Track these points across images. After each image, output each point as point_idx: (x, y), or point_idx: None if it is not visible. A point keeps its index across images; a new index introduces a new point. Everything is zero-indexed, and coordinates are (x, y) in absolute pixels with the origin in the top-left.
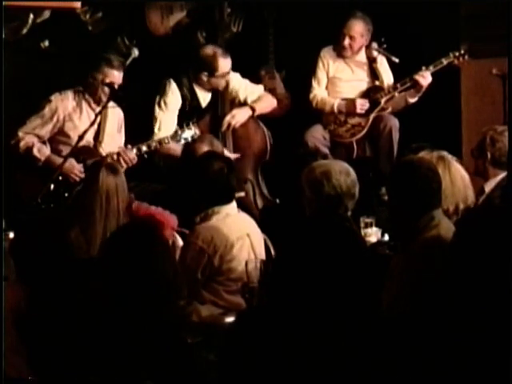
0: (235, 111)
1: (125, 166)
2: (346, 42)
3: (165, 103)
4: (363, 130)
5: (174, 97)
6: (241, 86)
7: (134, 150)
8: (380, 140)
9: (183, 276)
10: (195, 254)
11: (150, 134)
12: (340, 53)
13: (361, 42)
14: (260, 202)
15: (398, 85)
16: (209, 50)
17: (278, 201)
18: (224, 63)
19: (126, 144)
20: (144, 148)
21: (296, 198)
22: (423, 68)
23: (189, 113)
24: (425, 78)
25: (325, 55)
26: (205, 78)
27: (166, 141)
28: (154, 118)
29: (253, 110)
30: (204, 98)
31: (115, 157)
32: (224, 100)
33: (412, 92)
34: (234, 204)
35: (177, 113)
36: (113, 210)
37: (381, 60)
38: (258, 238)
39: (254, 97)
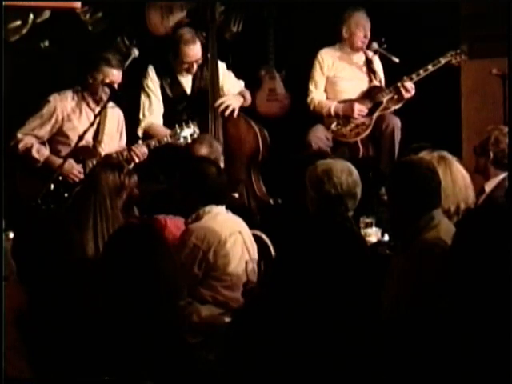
0: (226, 96)
1: (137, 160)
2: (356, 32)
3: (148, 87)
4: (368, 129)
5: (154, 81)
6: (225, 75)
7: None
8: (382, 139)
9: (183, 276)
10: (190, 251)
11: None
12: (342, 47)
13: (362, 34)
14: (253, 203)
15: (399, 84)
16: (177, 36)
17: (272, 201)
18: (187, 51)
19: (127, 143)
20: (144, 148)
21: (297, 198)
22: (405, 78)
23: (175, 100)
24: (409, 91)
25: (323, 57)
26: (177, 62)
27: (166, 139)
28: (141, 104)
29: (243, 97)
30: (186, 81)
31: (125, 153)
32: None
33: (394, 100)
34: (223, 206)
35: (161, 97)
36: (114, 211)
37: (375, 60)
38: (248, 236)
39: (237, 90)
